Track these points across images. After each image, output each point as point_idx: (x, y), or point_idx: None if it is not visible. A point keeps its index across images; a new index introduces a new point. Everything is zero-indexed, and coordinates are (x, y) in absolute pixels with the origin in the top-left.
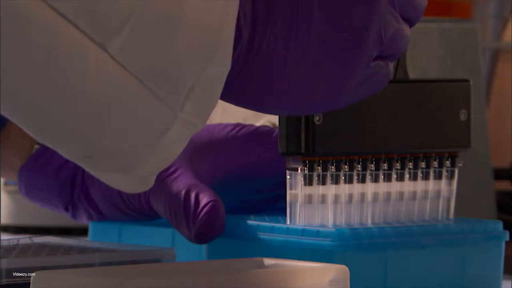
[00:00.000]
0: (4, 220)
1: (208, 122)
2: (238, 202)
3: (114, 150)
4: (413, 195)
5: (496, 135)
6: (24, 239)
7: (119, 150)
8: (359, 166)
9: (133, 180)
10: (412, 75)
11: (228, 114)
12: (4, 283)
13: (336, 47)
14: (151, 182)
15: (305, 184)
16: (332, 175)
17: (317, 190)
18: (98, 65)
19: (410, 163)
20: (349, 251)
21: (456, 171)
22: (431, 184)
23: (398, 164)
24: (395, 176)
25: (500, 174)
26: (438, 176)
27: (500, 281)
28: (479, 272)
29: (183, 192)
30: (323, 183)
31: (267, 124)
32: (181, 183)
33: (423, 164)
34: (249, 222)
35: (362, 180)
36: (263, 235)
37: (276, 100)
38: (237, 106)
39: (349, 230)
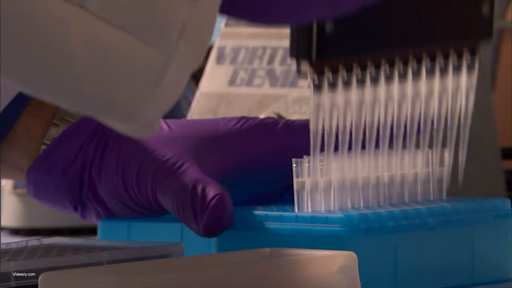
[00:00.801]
0: (15, 223)
1: (213, 116)
2: (245, 194)
3: (112, 103)
4: (430, 93)
5: (503, 114)
6: (32, 240)
7: (117, 102)
8: (372, 68)
9: (138, 126)
10: None
11: (232, 107)
12: (13, 286)
13: None
14: (156, 127)
15: (314, 93)
16: (342, 80)
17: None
18: (80, 27)
19: (427, 59)
20: (359, 236)
21: (477, 62)
22: (450, 77)
23: (414, 61)
24: (411, 73)
25: (508, 153)
26: (458, 69)
27: (510, 259)
28: (489, 250)
29: (190, 186)
30: (333, 87)
31: (272, 115)
32: (188, 177)
33: (441, 60)
34: (257, 212)
35: (375, 80)
36: (271, 225)
37: (282, 8)
38: (241, 22)
39: (358, 215)
